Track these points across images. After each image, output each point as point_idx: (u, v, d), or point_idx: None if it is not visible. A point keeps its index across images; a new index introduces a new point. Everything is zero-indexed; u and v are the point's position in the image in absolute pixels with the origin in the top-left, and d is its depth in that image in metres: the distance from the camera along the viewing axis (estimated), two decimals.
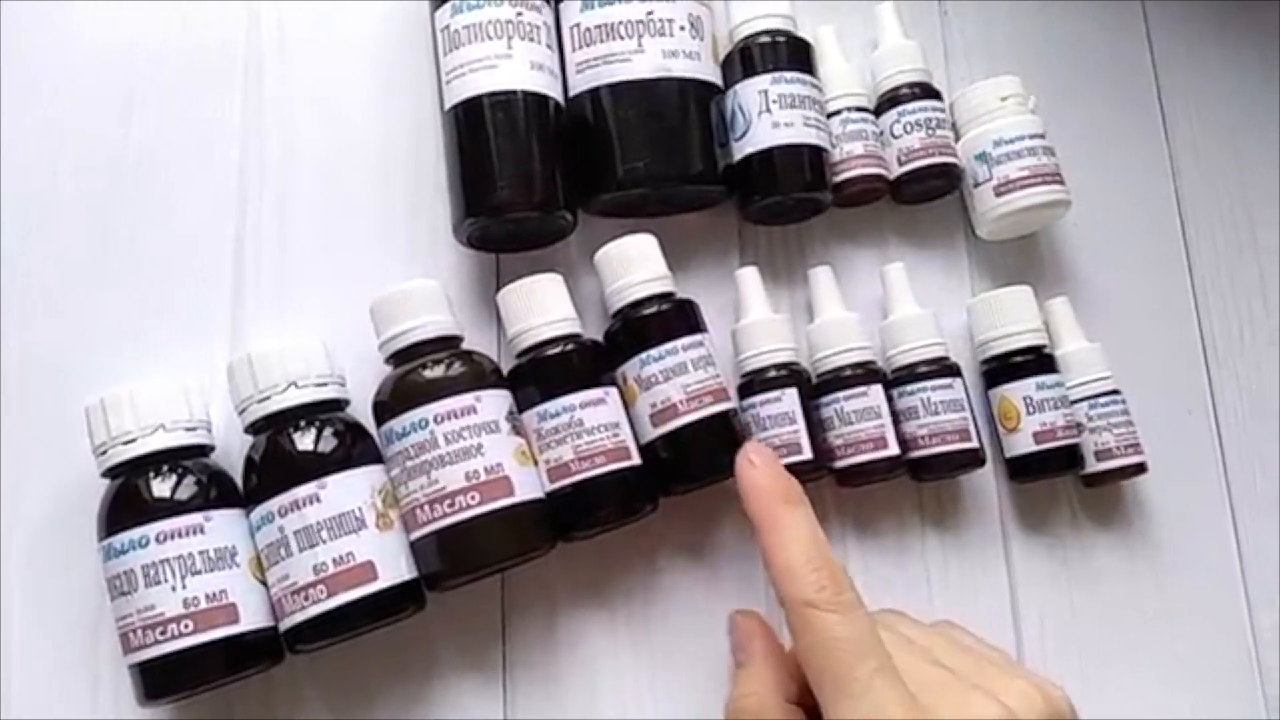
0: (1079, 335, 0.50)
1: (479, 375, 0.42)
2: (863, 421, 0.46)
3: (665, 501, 0.45)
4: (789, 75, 0.48)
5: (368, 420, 0.43)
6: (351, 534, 0.40)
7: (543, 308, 0.44)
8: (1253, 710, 0.50)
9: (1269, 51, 0.60)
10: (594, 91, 0.47)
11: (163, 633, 0.38)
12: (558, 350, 0.44)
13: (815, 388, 0.47)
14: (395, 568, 0.40)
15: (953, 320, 0.51)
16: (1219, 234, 0.57)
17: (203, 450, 0.42)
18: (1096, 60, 0.58)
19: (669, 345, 0.44)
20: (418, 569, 0.41)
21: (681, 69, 0.48)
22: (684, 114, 0.48)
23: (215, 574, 0.39)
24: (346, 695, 0.43)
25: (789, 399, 0.45)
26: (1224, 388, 0.54)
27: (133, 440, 0.41)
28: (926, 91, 0.51)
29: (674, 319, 0.45)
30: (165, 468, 0.41)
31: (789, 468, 0.45)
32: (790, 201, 0.49)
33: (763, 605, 0.47)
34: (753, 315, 0.48)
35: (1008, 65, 0.54)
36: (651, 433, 0.44)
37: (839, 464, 0.46)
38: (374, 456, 0.42)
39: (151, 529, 0.39)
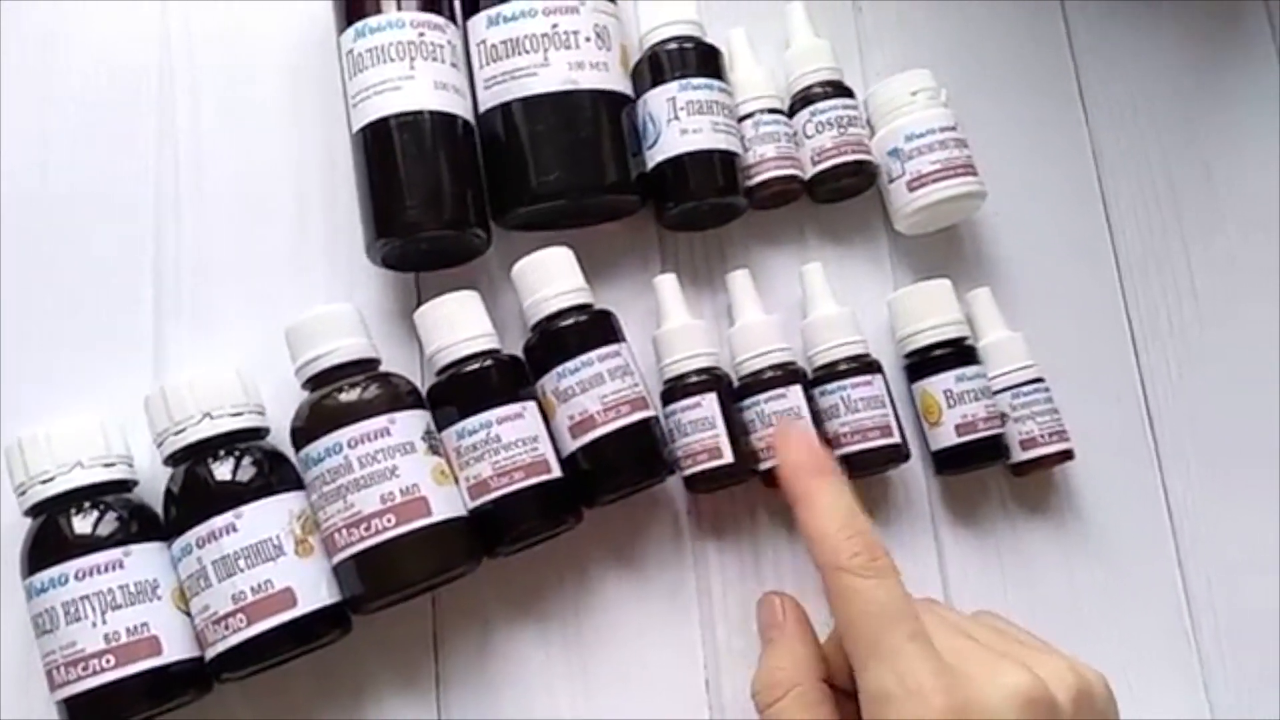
0: (1001, 325, 0.52)
1: (394, 397, 0.44)
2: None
3: (593, 512, 0.47)
4: (696, 81, 0.50)
5: (289, 446, 0.44)
6: (269, 561, 0.41)
7: (458, 326, 0.46)
8: (1190, 687, 0.52)
9: (1185, 32, 0.62)
10: (504, 106, 0.49)
11: (84, 669, 0.40)
12: (474, 367, 0.46)
13: (738, 391, 0.49)
14: (315, 593, 0.42)
15: (877, 316, 0.52)
16: (1143, 219, 0.58)
17: (123, 485, 0.44)
18: (1014, 49, 0.60)
19: (584, 357, 0.46)
20: (341, 593, 0.43)
21: (588, 80, 0.49)
22: (594, 125, 0.50)
23: (136, 608, 0.41)
24: None
25: (708, 404, 0.47)
26: (1153, 372, 0.56)
27: (51, 479, 0.43)
28: (838, 90, 0.52)
29: (589, 330, 0.47)
30: (85, 504, 0.42)
31: (709, 473, 0.47)
32: (705, 207, 0.51)
33: (693, 610, 0.49)
34: (671, 322, 0.49)
35: (923, 58, 0.56)
36: (571, 445, 0.45)
37: (763, 465, 0.48)
38: (294, 483, 0.44)
39: (70, 566, 0.41)
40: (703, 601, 0.49)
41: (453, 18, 0.50)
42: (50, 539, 0.42)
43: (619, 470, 0.46)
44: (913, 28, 0.58)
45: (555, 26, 0.49)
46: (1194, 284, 0.58)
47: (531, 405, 0.46)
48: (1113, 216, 0.58)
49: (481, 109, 0.50)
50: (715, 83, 0.51)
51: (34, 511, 0.43)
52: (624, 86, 0.51)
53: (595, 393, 0.45)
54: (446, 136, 0.48)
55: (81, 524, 0.42)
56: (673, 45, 0.51)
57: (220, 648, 0.41)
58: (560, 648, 0.48)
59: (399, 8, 0.48)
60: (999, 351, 0.51)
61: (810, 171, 0.52)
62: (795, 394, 0.48)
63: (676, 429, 0.48)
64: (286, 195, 0.51)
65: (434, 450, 0.44)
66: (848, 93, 0.53)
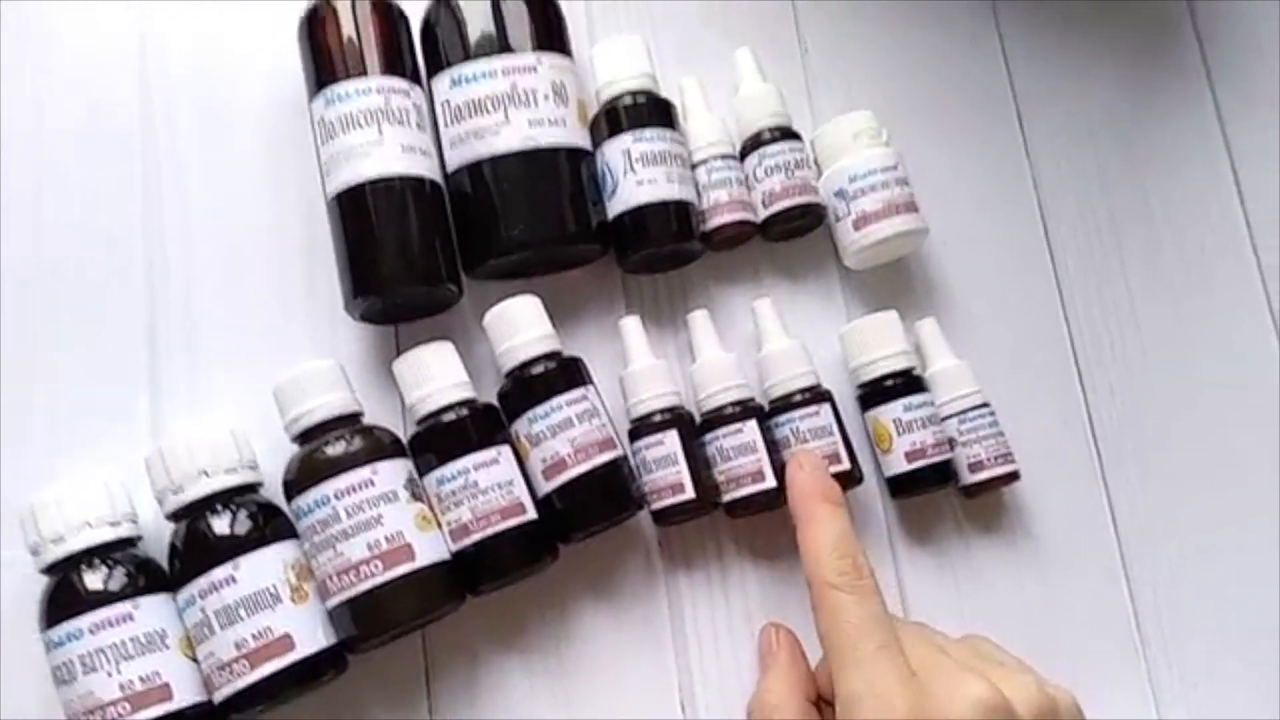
0: (947, 353, 0.57)
1: (377, 448, 0.49)
2: (740, 457, 0.52)
3: (570, 548, 0.52)
4: (648, 134, 0.55)
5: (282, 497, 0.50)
6: (267, 609, 0.47)
7: (433, 376, 0.51)
8: (1141, 701, 0.56)
9: (1119, 59, 0.66)
10: (469, 166, 0.54)
11: (102, 716, 0.45)
12: (450, 417, 0.51)
13: (700, 427, 0.54)
14: (312, 637, 0.47)
15: (832, 347, 0.57)
16: (1083, 245, 0.63)
17: (129, 541, 0.49)
18: (955, 82, 0.64)
19: (553, 402, 0.51)
20: (336, 635, 0.48)
21: (547, 137, 0.54)
22: (554, 179, 0.54)
23: (147, 657, 0.46)
24: None
25: (670, 441, 0.52)
26: (1097, 395, 0.60)
27: (61, 540, 0.48)
28: (784, 134, 0.57)
29: (558, 376, 0.52)
30: (95, 561, 0.48)
31: (674, 507, 0.52)
32: (663, 253, 0.56)
33: (667, 637, 0.54)
34: (636, 363, 0.54)
35: (869, 96, 0.61)
36: (545, 486, 0.51)
37: (724, 498, 0.53)
38: (288, 532, 0.49)
39: (84, 621, 0.46)
40: (675, 628, 0.54)
41: (415, 76, 0.55)
42: (64, 596, 0.47)
43: (591, 509, 0.51)
44: (857, 67, 0.63)
45: (514, 86, 0.54)
46: (1134, 307, 0.62)
47: (506, 450, 0.51)
48: (1054, 243, 0.63)
49: (449, 168, 0.55)
50: (668, 133, 0.56)
51: (48, 570, 0.48)
52: (582, 140, 0.56)
53: (565, 436, 0.50)
54: (415, 198, 0.53)
55: (92, 580, 0.47)
56: (627, 99, 0.56)
57: (226, 691, 0.46)
58: (544, 677, 0.53)
59: (365, 72, 0.53)
60: (946, 379, 0.56)
61: (762, 214, 0.57)
62: (751, 428, 0.53)
63: (642, 466, 0.53)
64: (270, 253, 0.56)
65: (416, 497, 0.49)
66: (794, 136, 0.58)
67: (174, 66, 0.58)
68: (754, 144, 0.58)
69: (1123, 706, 0.56)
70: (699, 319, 0.56)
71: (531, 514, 0.50)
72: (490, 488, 0.49)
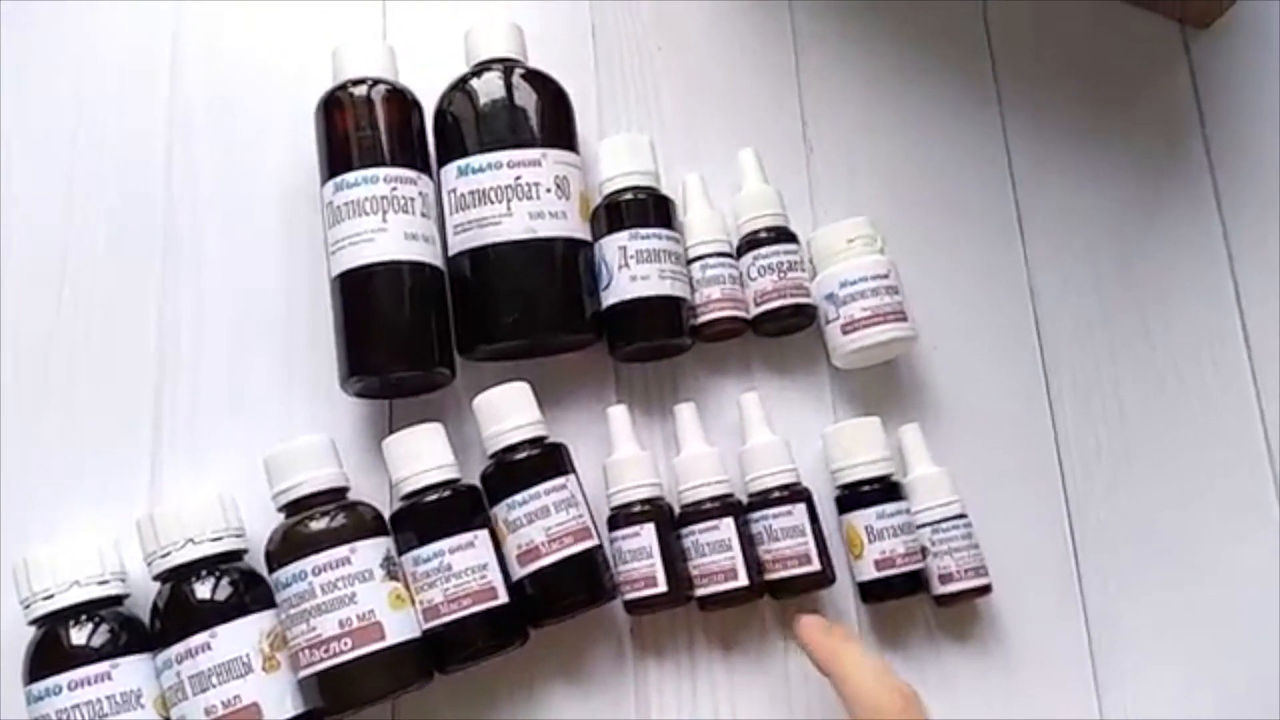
0: (927, 461, 0.59)
1: (359, 526, 0.52)
2: (715, 554, 0.55)
3: (543, 629, 0.55)
4: (645, 232, 0.58)
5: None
6: (239, 678, 0.50)
7: (420, 457, 0.54)
8: None
9: (1125, 175, 0.68)
10: (470, 252, 0.57)
11: None
12: (432, 499, 0.54)
13: (679, 519, 0.57)
14: (280, 706, 0.50)
15: (817, 445, 0.60)
16: (1076, 357, 0.65)
17: (116, 600, 0.53)
18: (959, 189, 0.67)
19: (532, 490, 0.54)
20: (304, 704, 0.51)
21: (547, 229, 0.57)
22: (550, 271, 0.58)
23: (121, 715, 0.50)
24: None
25: (646, 534, 0.55)
26: (1081, 508, 0.62)
27: (51, 596, 0.51)
28: (780, 235, 0.60)
29: (540, 464, 0.55)
30: (81, 618, 0.51)
31: (646, 600, 0.54)
32: (653, 345, 0.59)
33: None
34: (619, 453, 0.57)
35: (870, 199, 0.64)
36: (519, 571, 0.53)
37: (697, 593, 0.55)
38: (267, 601, 0.52)
39: (63, 678, 0.50)
40: (641, 715, 0.57)
41: (425, 163, 0.59)
42: (48, 650, 0.51)
43: (562, 597, 0.54)
44: (862, 171, 0.66)
45: (518, 179, 0.57)
46: (1124, 426, 0.64)
47: (483, 534, 0.54)
48: (1047, 356, 0.65)
49: (451, 252, 0.58)
50: (665, 232, 0.59)
51: (36, 623, 0.52)
52: (582, 232, 0.59)
53: (541, 524, 0.53)
54: (415, 284, 0.56)
55: (77, 636, 0.51)
56: (628, 195, 0.59)
57: None
58: None
59: (375, 163, 0.57)
60: (924, 486, 0.58)
61: (754, 311, 0.60)
62: (727, 526, 0.55)
63: (618, 556, 0.55)
64: (277, 326, 0.61)
65: (392, 575, 0.52)
66: (790, 237, 0.61)
67: (198, 141, 0.63)
68: (750, 243, 0.60)
69: None
70: (685, 412, 0.59)
71: (503, 598, 0.53)
72: (464, 571, 0.52)
